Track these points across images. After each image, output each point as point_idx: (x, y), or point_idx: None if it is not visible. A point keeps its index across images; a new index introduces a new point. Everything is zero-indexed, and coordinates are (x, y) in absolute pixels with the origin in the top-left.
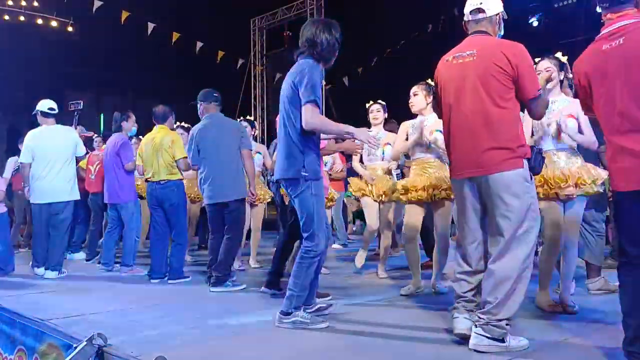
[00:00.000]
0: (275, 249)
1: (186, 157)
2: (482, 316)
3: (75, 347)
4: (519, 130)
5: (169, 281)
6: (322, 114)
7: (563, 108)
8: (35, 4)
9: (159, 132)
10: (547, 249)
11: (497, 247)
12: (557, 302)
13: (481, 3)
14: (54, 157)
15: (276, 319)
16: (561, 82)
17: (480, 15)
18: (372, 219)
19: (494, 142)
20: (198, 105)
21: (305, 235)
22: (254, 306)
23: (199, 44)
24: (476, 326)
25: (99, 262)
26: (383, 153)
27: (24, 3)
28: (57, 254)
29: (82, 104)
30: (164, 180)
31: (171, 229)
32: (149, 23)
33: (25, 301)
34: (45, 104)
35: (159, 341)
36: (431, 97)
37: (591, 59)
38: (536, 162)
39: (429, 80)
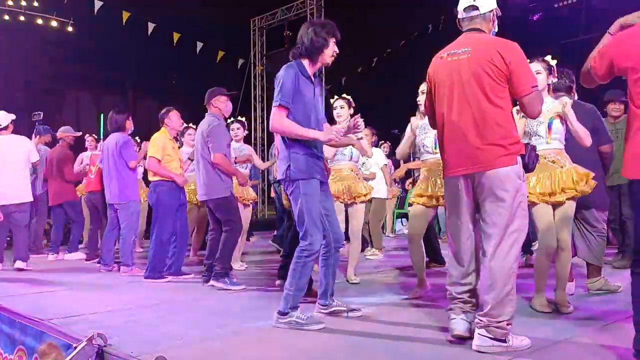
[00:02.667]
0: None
1: (153, 157)
2: (482, 318)
3: (75, 347)
4: (512, 127)
5: (144, 280)
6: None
7: (551, 109)
8: (35, 4)
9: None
10: (541, 252)
11: (490, 243)
12: (554, 303)
13: (475, 0)
14: (14, 162)
15: (273, 319)
16: (549, 85)
17: (474, 13)
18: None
19: (488, 139)
20: None
21: (300, 234)
22: (254, 306)
23: (199, 44)
24: (478, 327)
25: (99, 262)
26: (352, 153)
27: (24, 3)
28: (24, 246)
29: (42, 114)
30: (151, 181)
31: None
32: (149, 23)
33: (25, 301)
34: None
35: (159, 341)
36: None
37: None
38: (529, 159)
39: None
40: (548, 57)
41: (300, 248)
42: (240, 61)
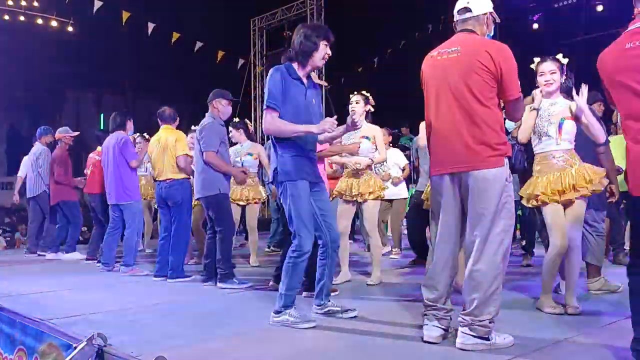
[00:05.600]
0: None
1: (187, 155)
2: (465, 318)
3: (75, 347)
4: (500, 128)
5: (168, 280)
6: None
7: (562, 110)
8: (35, 4)
9: (164, 132)
10: (552, 251)
11: (474, 246)
12: (561, 304)
13: (468, 2)
14: None
15: (270, 318)
16: (560, 84)
17: (467, 15)
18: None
19: (476, 139)
20: None
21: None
22: (254, 306)
23: (199, 44)
24: (461, 326)
25: (99, 262)
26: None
27: (24, 3)
28: None
29: None
30: (169, 179)
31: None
32: (149, 23)
33: (25, 301)
34: None
35: (159, 341)
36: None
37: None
38: (516, 160)
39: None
40: (559, 56)
41: (290, 249)
42: (240, 61)
